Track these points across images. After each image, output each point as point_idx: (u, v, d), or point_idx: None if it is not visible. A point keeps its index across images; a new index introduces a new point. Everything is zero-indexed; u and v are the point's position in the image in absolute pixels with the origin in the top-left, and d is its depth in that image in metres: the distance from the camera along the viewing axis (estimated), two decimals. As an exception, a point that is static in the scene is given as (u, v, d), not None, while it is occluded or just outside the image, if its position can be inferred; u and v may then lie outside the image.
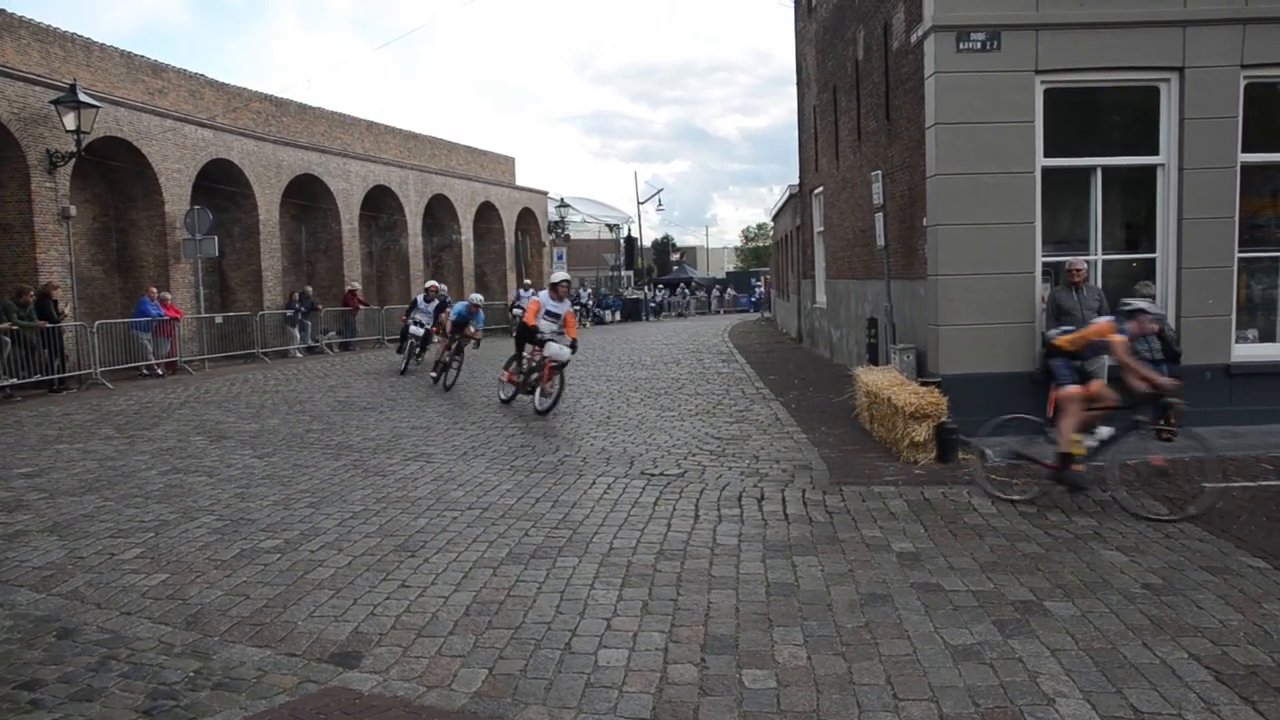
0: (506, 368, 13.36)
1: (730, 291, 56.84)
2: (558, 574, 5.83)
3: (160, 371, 18.11)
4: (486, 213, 35.00)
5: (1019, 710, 3.99)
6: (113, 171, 19.84)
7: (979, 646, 4.63)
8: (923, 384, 9.38)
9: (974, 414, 9.22)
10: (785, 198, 28.11)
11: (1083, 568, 5.77)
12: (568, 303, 12.62)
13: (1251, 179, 9.89)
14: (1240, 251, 9.80)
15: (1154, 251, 9.95)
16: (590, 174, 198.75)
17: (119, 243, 20.62)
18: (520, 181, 40.05)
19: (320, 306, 24.15)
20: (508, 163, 40.43)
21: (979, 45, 9.46)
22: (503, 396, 13.28)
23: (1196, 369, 9.65)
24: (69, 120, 16.76)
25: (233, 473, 8.97)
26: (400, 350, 20.75)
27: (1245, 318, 10.14)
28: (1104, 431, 7.23)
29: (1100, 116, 10.00)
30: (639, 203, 56.81)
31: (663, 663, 4.53)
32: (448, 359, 15.65)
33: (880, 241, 11.95)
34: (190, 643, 4.85)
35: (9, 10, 18.43)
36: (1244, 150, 9.63)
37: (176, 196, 20.43)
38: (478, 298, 16.63)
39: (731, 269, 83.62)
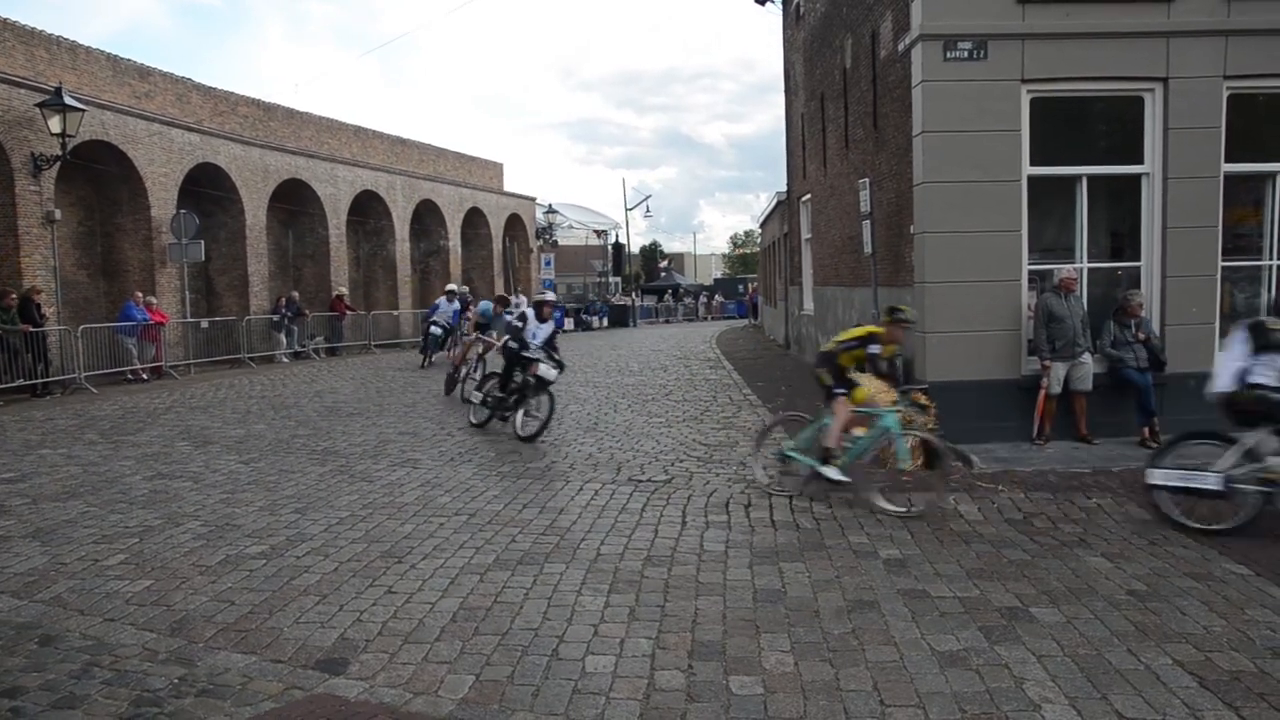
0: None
1: (718, 298, 56.95)
2: (545, 580, 5.82)
3: (145, 376, 18.00)
4: (474, 218, 34.96)
5: (1005, 716, 4.01)
6: (98, 175, 19.74)
7: (965, 653, 4.65)
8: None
9: (960, 421, 9.28)
10: (773, 205, 28.21)
11: (1068, 574, 5.80)
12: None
13: (1235, 189, 9.98)
14: (1224, 260, 9.88)
15: (1139, 260, 10.02)
16: (577, 180, 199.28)
17: (104, 247, 20.50)
18: (508, 187, 40.03)
19: (307, 312, 24.06)
20: (496, 168, 40.41)
21: (966, 54, 9.52)
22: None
23: (1180, 377, 9.72)
24: (54, 123, 16.66)
25: (218, 478, 8.92)
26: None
27: (1229, 326, 10.20)
28: None
29: (1086, 126, 10.07)
30: (626, 209, 56.90)
31: (650, 669, 4.53)
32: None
33: (867, 249, 11.99)
34: (175, 649, 4.82)
35: (-6, 13, 18.34)
36: (1227, 160, 9.71)
37: (162, 201, 20.34)
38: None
39: (719, 275, 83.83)
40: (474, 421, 11.74)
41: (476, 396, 11.86)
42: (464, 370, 14.46)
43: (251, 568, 6.13)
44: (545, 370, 10.80)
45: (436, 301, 21.40)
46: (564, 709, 4.15)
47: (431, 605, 5.41)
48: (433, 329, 20.19)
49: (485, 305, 15.45)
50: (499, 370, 11.91)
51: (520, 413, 10.93)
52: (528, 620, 5.17)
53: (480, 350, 14.55)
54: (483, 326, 15.20)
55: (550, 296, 12.19)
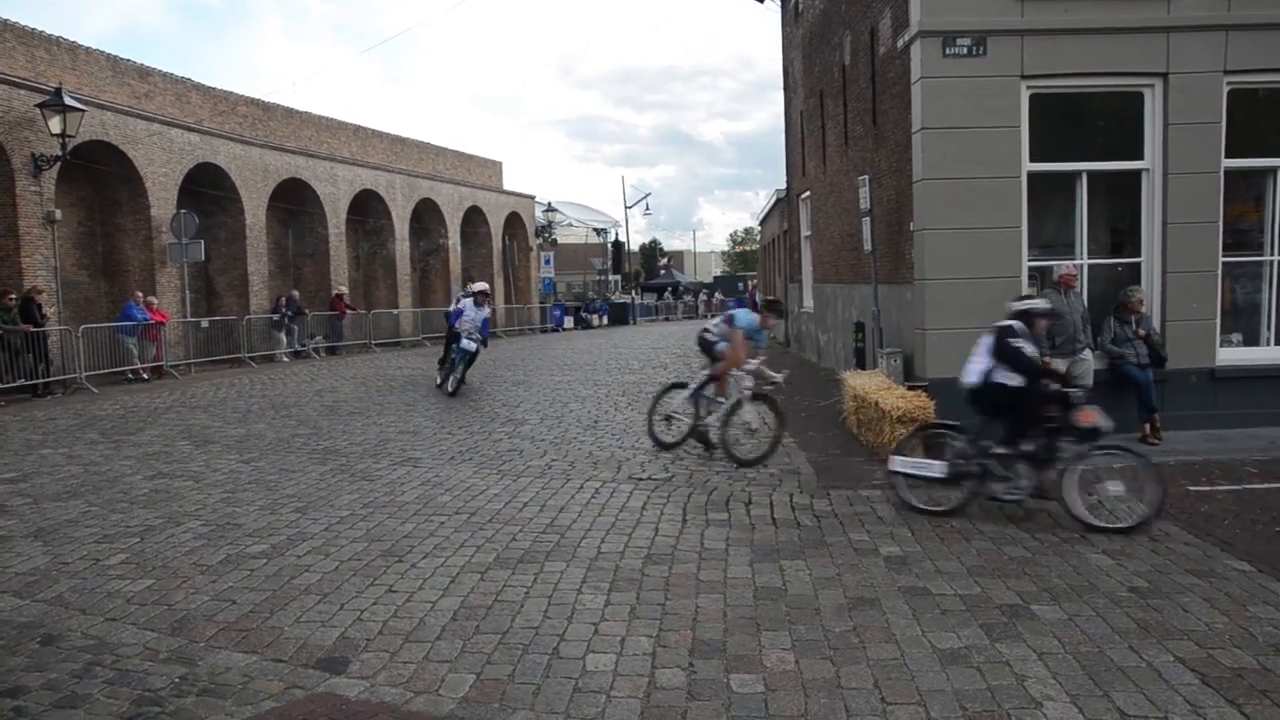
0: None
1: (718, 295, 56.99)
2: (545, 579, 5.82)
3: (146, 376, 18.00)
4: (474, 217, 34.95)
5: (1006, 713, 4.00)
6: (99, 175, 19.73)
7: (966, 650, 4.64)
8: (910, 388, 9.41)
9: (960, 418, 9.27)
10: (772, 202, 28.20)
11: (1069, 571, 5.79)
12: None
13: (1235, 184, 9.98)
14: (1224, 256, 9.88)
15: (1139, 256, 10.03)
16: (576, 178, 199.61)
17: (104, 247, 20.50)
18: (507, 185, 40.02)
19: (307, 311, 24.05)
20: (495, 167, 40.41)
21: (965, 50, 9.51)
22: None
23: (1181, 373, 9.73)
24: (54, 124, 16.66)
25: (219, 477, 8.92)
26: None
27: (1229, 322, 10.22)
28: None
29: (1085, 121, 10.06)
30: (626, 207, 57.05)
31: (650, 667, 4.52)
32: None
33: (867, 246, 11.99)
34: (176, 649, 4.82)
35: (-7, 13, 18.34)
36: (1227, 155, 9.71)
37: (162, 200, 20.33)
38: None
39: (719, 273, 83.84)
40: (922, 506, 7.27)
41: (928, 466, 7.28)
42: (722, 411, 9.40)
43: (252, 567, 6.13)
44: (1099, 417, 6.74)
45: (460, 305, 15.47)
46: (565, 707, 4.15)
47: (432, 604, 5.41)
48: (464, 342, 14.66)
49: (747, 317, 9.56)
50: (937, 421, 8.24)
51: (1074, 485, 6.74)
52: (528, 619, 5.16)
53: (751, 382, 9.30)
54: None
55: (1041, 304, 7.44)
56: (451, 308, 22.00)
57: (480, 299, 15.13)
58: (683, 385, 10.04)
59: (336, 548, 6.52)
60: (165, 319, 19.17)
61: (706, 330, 9.92)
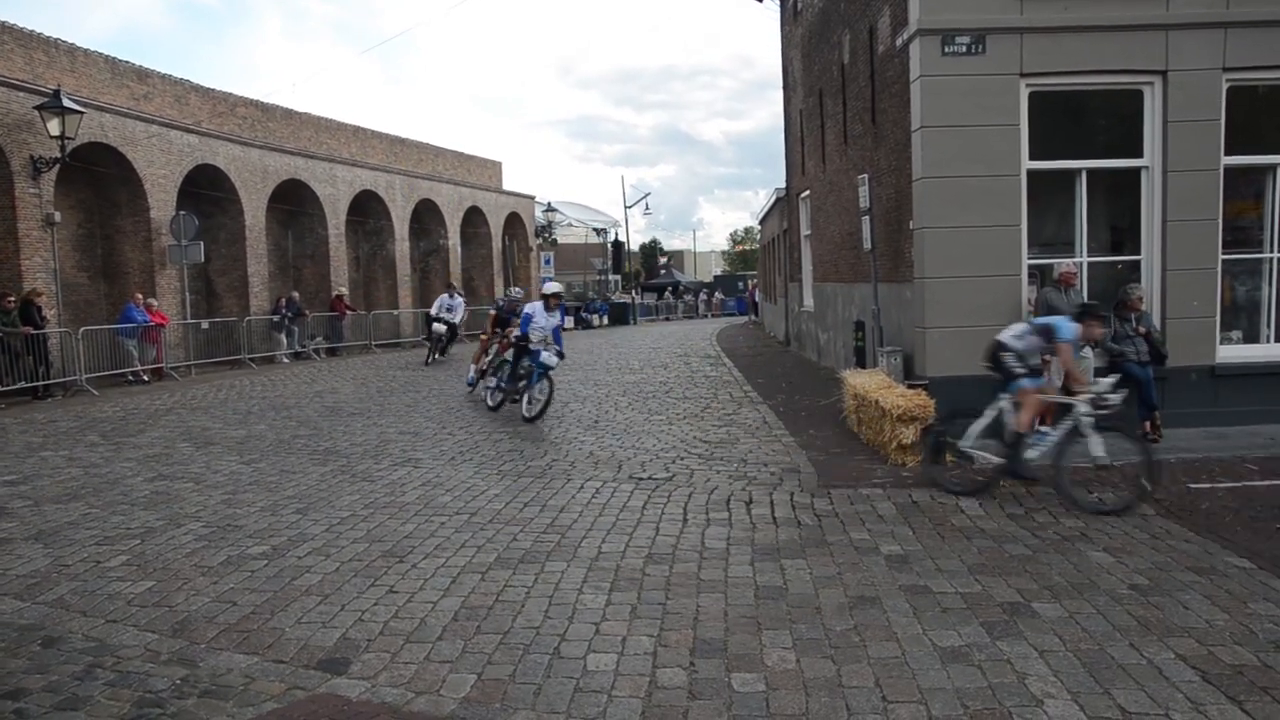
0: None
1: (718, 295, 57.00)
2: (546, 579, 5.82)
3: (146, 378, 18.00)
4: (474, 217, 34.94)
5: (1007, 711, 4.00)
6: (98, 177, 19.72)
7: (967, 648, 4.64)
8: (910, 387, 9.40)
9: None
10: (772, 201, 28.18)
11: (1070, 569, 5.79)
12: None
13: (1234, 181, 9.98)
14: (1224, 253, 9.88)
15: (1139, 254, 10.03)
16: (576, 178, 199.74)
17: (104, 249, 20.49)
18: (507, 186, 40.01)
19: (307, 312, 24.04)
20: (495, 167, 40.39)
21: (964, 48, 9.51)
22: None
23: (1182, 370, 9.73)
24: (53, 126, 16.65)
25: (219, 479, 8.92)
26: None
27: (1229, 319, 10.22)
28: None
29: (1085, 119, 10.06)
30: (626, 206, 56.99)
31: (651, 667, 4.52)
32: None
33: (867, 245, 11.98)
34: (177, 650, 4.82)
35: (-8, 15, 18.35)
36: (1227, 153, 9.71)
37: (162, 202, 20.32)
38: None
39: (719, 272, 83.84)
40: None
41: None
42: (1050, 444, 7.71)
43: (253, 568, 6.13)
44: None
45: (528, 310, 12.45)
46: (566, 707, 4.15)
47: (433, 604, 5.41)
48: (544, 356, 11.81)
49: (1070, 329, 7.67)
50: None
51: None
52: (529, 619, 5.16)
53: (1087, 408, 7.50)
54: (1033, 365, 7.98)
55: None
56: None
57: (552, 303, 12.39)
58: (973, 413, 8.03)
59: (337, 549, 6.52)
60: (165, 321, 19.17)
61: (1004, 347, 7.90)
